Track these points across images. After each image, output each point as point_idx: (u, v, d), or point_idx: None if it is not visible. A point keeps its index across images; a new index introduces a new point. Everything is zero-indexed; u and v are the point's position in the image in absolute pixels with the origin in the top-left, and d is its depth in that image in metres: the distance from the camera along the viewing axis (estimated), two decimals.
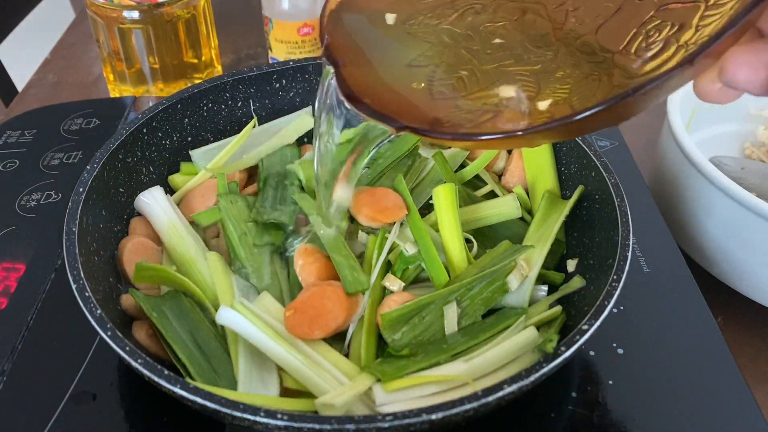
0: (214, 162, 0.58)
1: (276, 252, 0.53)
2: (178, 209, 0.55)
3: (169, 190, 0.58)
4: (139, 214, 0.55)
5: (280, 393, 0.43)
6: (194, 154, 0.60)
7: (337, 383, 0.42)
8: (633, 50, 0.33)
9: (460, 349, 0.45)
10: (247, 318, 0.44)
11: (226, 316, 0.44)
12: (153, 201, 0.54)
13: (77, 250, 0.44)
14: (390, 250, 0.50)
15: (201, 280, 0.50)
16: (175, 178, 0.59)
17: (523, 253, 0.50)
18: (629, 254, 0.45)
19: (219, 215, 0.53)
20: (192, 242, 0.52)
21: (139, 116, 0.57)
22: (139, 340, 0.46)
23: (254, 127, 0.61)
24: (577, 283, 0.50)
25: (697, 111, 0.71)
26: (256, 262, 0.51)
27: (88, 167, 0.51)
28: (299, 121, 0.63)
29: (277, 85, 0.65)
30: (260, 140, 0.61)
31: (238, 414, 0.36)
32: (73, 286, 0.42)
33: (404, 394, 0.42)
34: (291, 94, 0.66)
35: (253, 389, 0.42)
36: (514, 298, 0.49)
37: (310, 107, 0.66)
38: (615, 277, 0.44)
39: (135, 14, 0.72)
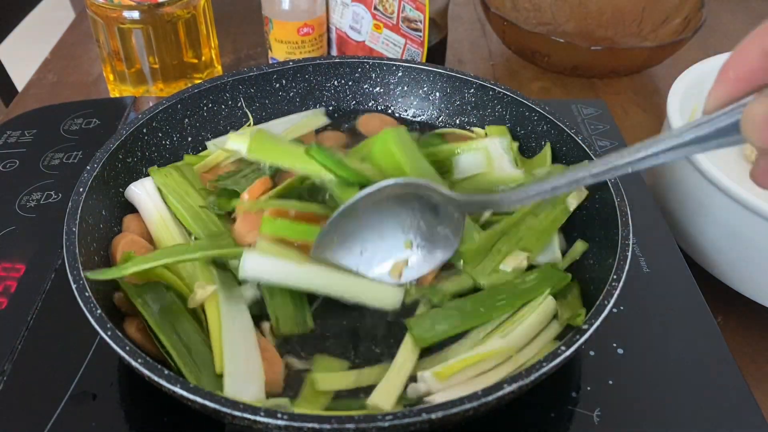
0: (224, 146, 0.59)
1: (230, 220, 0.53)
2: (169, 197, 0.54)
3: None
4: (135, 211, 0.55)
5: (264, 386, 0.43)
6: (210, 144, 0.61)
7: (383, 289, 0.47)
8: None
9: (496, 315, 0.47)
10: (276, 257, 0.45)
11: (251, 266, 0.46)
12: (143, 191, 0.53)
13: (77, 250, 0.44)
14: None
15: (184, 274, 0.49)
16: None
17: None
18: (629, 254, 0.45)
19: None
20: (178, 234, 0.51)
21: (139, 116, 0.57)
22: (130, 335, 0.45)
23: (251, 125, 0.63)
24: (580, 247, 0.52)
25: (697, 111, 0.71)
26: (205, 226, 0.51)
27: (88, 167, 0.51)
28: (312, 117, 0.65)
29: (277, 85, 0.65)
30: (275, 132, 0.62)
31: (238, 413, 0.36)
32: (73, 286, 0.42)
33: (455, 379, 0.43)
34: (291, 94, 0.66)
35: (239, 385, 0.42)
36: (547, 255, 0.52)
37: (323, 108, 0.66)
38: (615, 277, 0.44)
39: (135, 14, 0.72)
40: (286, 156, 0.53)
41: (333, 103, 0.67)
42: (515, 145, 0.59)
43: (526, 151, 0.62)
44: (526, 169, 0.58)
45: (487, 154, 0.56)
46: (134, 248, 0.51)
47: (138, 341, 0.45)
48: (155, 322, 0.44)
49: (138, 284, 0.47)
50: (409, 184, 0.47)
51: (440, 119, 0.67)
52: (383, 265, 0.49)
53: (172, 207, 0.53)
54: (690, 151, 0.36)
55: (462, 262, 0.51)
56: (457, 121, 0.66)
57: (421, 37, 0.78)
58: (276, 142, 0.54)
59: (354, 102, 0.68)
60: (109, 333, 0.39)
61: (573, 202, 0.53)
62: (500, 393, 0.37)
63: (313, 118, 0.65)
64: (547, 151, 0.59)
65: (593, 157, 0.54)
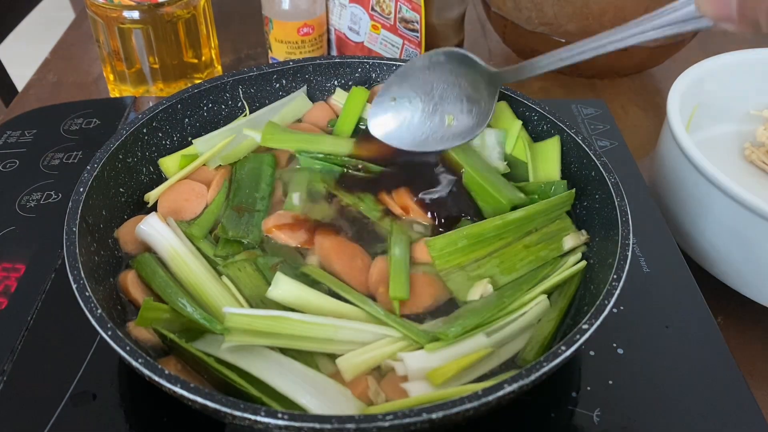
0: (216, 149, 0.59)
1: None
2: (178, 228, 0.53)
3: (159, 174, 0.58)
4: (125, 220, 0.54)
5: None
6: (197, 142, 0.60)
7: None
8: None
9: (491, 313, 0.47)
10: (303, 287, 0.47)
11: (281, 290, 0.47)
12: (153, 230, 0.51)
13: (77, 250, 0.44)
14: None
15: (211, 304, 0.48)
16: (166, 161, 0.59)
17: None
18: (629, 254, 0.45)
19: None
20: (198, 265, 0.50)
21: (139, 116, 0.57)
22: (138, 337, 0.45)
23: (246, 116, 0.63)
24: (568, 196, 0.54)
25: (697, 111, 0.71)
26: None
27: (88, 167, 0.51)
28: (296, 104, 0.64)
29: (277, 85, 0.65)
30: (259, 124, 0.62)
31: (238, 413, 0.36)
32: (74, 286, 0.42)
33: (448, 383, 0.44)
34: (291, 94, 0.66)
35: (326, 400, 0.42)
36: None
37: (305, 87, 0.66)
38: (615, 276, 0.44)
39: (135, 14, 0.72)
40: (299, 141, 0.59)
41: None
42: (523, 132, 0.61)
43: None
44: (532, 154, 0.59)
45: (483, 140, 0.60)
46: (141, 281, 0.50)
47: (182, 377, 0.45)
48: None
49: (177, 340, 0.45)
50: (453, 52, 0.59)
51: None
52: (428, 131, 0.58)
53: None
54: (656, 34, 0.47)
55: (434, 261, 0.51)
56: None
57: (418, 37, 0.78)
58: (287, 131, 0.60)
59: None
60: (109, 333, 0.39)
61: (569, 242, 0.52)
62: (500, 393, 0.37)
63: (298, 103, 0.64)
64: (555, 144, 0.59)
65: (593, 157, 0.54)
